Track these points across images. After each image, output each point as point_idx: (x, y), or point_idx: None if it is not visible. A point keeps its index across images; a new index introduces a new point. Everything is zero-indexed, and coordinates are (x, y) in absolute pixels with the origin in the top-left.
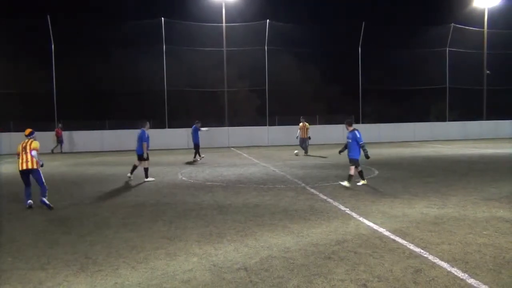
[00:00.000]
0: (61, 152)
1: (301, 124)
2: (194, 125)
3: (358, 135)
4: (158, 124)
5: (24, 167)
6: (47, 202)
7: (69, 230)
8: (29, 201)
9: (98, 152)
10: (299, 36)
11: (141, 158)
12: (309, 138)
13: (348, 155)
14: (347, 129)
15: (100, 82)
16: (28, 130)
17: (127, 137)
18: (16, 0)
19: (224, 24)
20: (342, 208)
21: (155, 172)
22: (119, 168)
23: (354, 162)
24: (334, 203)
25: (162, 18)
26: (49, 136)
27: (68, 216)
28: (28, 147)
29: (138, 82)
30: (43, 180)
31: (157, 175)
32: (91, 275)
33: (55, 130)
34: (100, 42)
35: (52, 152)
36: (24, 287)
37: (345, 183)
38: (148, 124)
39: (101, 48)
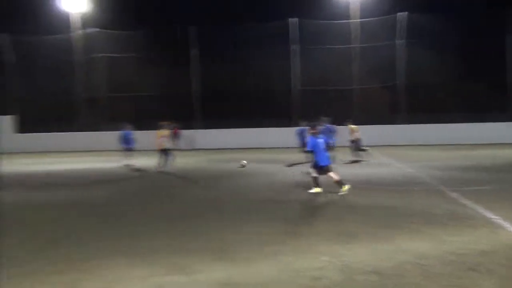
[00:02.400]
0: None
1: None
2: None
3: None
4: (287, 123)
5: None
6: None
7: (208, 222)
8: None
9: (232, 149)
10: (436, 27)
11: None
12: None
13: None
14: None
15: (232, 83)
16: (164, 123)
17: (257, 135)
18: (159, 12)
19: (354, 20)
20: (489, 215)
21: (284, 170)
22: (252, 165)
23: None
24: (479, 209)
25: (289, 19)
26: (185, 134)
27: (206, 208)
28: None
29: (268, 83)
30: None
31: (283, 172)
32: (226, 263)
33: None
34: (232, 45)
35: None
36: (169, 271)
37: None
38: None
39: (233, 50)
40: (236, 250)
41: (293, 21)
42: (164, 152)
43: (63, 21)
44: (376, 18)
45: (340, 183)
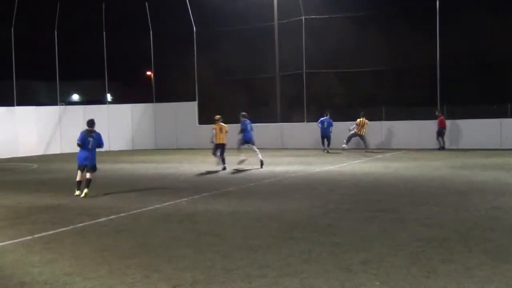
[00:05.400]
0: (443, 148)
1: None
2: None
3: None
4: None
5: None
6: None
7: (451, 258)
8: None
9: (494, 149)
10: None
11: None
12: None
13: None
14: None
15: (495, 51)
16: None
17: None
18: None
19: None
20: None
21: None
22: None
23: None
24: None
25: None
26: (429, 126)
27: (447, 236)
28: (223, 129)
29: None
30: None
31: None
32: None
33: (438, 118)
34: None
35: (442, 148)
36: None
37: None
38: None
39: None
40: None
41: None
42: None
43: None
44: None
45: (82, 185)
